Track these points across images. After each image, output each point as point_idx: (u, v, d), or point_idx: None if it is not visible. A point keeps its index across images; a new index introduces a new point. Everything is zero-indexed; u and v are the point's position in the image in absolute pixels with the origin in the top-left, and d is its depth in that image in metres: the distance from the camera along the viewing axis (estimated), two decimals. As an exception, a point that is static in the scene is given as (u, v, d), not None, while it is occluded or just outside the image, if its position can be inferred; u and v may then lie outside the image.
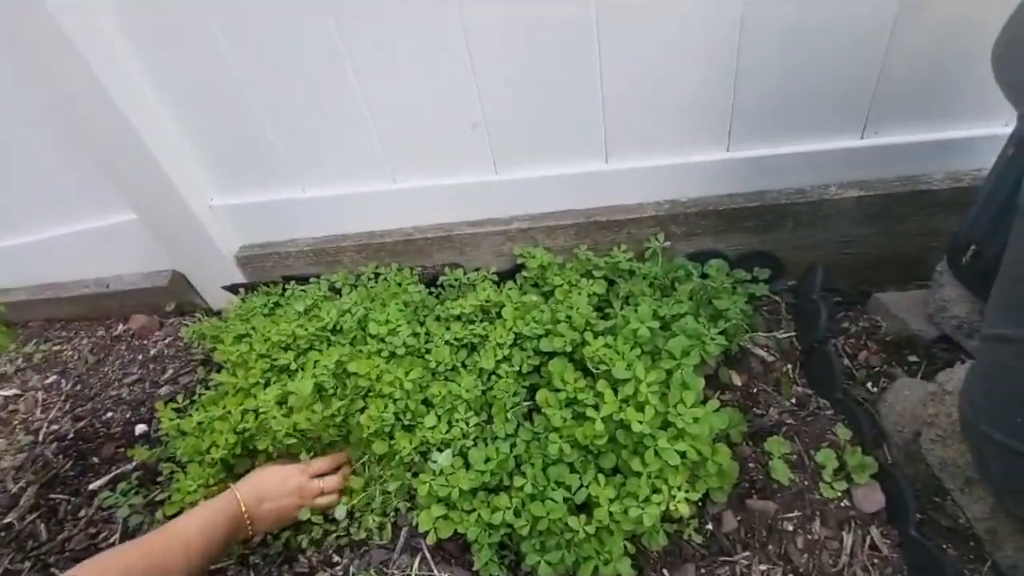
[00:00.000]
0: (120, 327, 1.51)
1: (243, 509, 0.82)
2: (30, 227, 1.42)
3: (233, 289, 1.37)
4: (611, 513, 0.71)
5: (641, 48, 0.95)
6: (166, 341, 1.42)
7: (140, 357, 1.40)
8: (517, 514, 0.74)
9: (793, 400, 0.93)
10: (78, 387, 1.36)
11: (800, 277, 1.14)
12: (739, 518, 0.80)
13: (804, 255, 1.11)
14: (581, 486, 0.75)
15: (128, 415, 1.23)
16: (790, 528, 0.77)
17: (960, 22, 0.86)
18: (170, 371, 1.32)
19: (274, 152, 1.18)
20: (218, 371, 1.11)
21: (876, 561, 0.73)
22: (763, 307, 1.10)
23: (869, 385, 0.96)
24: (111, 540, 0.98)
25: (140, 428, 1.19)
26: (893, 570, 0.72)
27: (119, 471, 1.09)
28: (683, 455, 0.73)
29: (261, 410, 0.91)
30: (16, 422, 1.30)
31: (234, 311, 1.25)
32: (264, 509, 0.85)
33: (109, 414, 1.25)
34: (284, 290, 1.30)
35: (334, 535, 0.90)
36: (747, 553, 0.76)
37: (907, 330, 1.02)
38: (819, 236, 1.09)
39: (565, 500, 0.74)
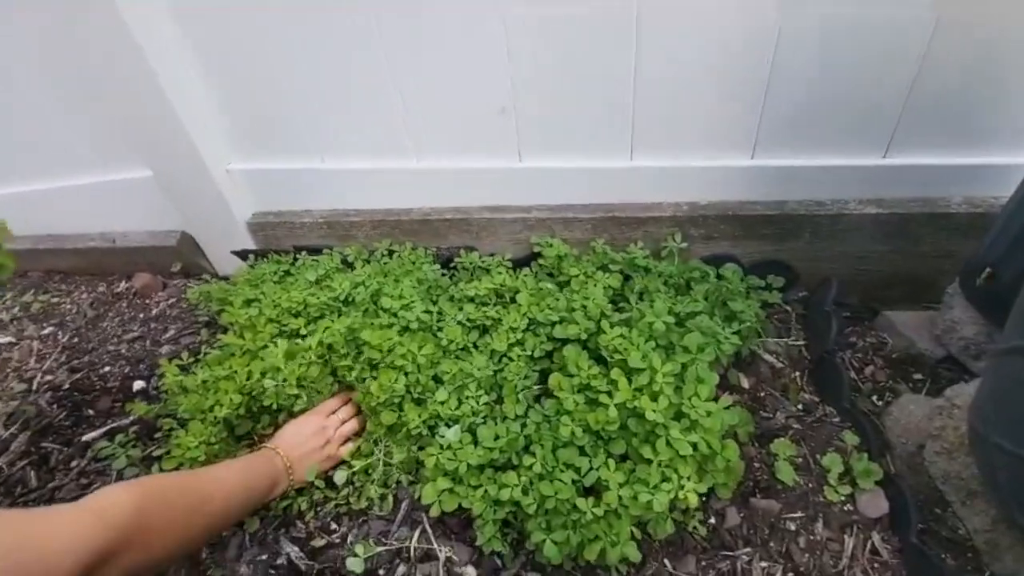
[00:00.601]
0: (122, 284, 1.49)
1: (282, 456, 0.86)
2: (37, 175, 1.40)
3: (243, 255, 1.36)
4: (620, 497, 0.71)
5: (679, 49, 0.95)
6: (169, 302, 1.41)
7: (141, 315, 1.38)
8: (525, 492, 0.74)
9: (800, 406, 0.94)
10: (75, 340, 1.34)
11: (811, 288, 1.15)
12: (742, 515, 0.80)
13: (818, 267, 1.12)
14: (591, 469, 0.75)
15: (127, 370, 1.21)
16: (792, 528, 0.78)
17: (993, 47, 0.88)
18: (172, 331, 1.31)
19: (297, 120, 1.17)
20: (223, 333, 1.11)
21: (876, 565, 0.73)
22: (774, 315, 1.11)
23: (874, 399, 0.97)
24: (103, 492, 0.97)
25: (138, 384, 1.17)
26: (892, 575, 0.72)
27: (115, 425, 1.08)
28: (694, 447, 0.73)
29: (269, 361, 0.93)
30: (9, 370, 1.28)
31: (243, 276, 1.24)
32: (298, 455, 0.88)
33: (107, 368, 1.23)
34: (295, 260, 1.29)
35: (333, 503, 0.89)
36: (748, 549, 0.77)
37: (914, 348, 1.03)
38: (835, 250, 1.10)
39: (574, 482, 0.74)
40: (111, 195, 1.38)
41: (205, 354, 1.07)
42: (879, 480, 0.78)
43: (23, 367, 1.28)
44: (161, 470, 0.94)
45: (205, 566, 0.85)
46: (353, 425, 0.96)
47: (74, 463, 1.03)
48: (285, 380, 0.92)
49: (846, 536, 0.76)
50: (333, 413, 0.96)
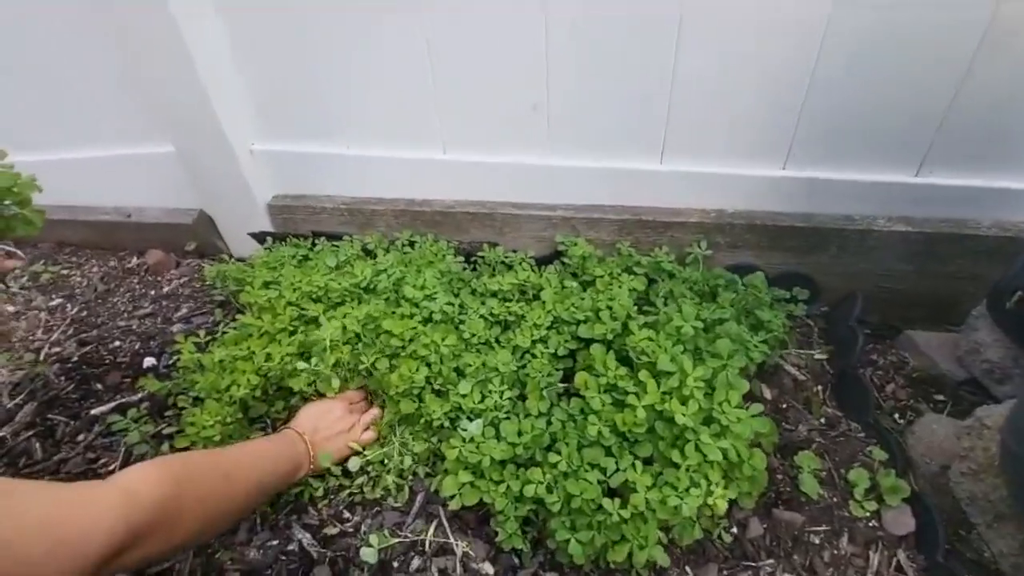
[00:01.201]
0: (134, 260, 1.47)
1: (307, 441, 0.84)
2: (58, 145, 1.38)
3: (260, 237, 1.35)
4: (647, 500, 0.70)
5: (719, 56, 0.95)
6: (181, 280, 1.39)
7: (152, 293, 1.37)
8: (549, 490, 0.73)
9: (822, 420, 0.93)
10: (84, 313, 1.32)
11: (832, 304, 1.15)
12: (765, 526, 0.79)
13: (842, 283, 1.12)
14: (617, 470, 0.74)
15: (137, 346, 1.19)
16: (816, 541, 0.77)
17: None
18: (184, 310, 1.29)
19: (326, 104, 1.16)
20: (238, 314, 1.09)
21: (901, 583, 0.73)
22: (795, 328, 1.10)
23: (896, 417, 0.96)
24: (111, 468, 0.95)
25: (148, 361, 1.15)
26: (918, 594, 0.72)
27: (124, 400, 1.06)
28: (724, 453, 0.72)
29: (313, 337, 0.93)
30: (16, 340, 1.26)
31: (261, 258, 1.23)
32: (321, 439, 0.86)
33: (116, 343, 1.21)
34: (313, 245, 1.28)
35: (347, 491, 0.88)
36: (771, 560, 0.76)
37: (936, 369, 1.03)
38: (860, 266, 1.10)
39: (599, 482, 0.73)
40: (131, 169, 1.36)
41: (222, 334, 1.05)
42: (906, 497, 0.77)
43: (30, 337, 1.26)
44: (172, 448, 0.93)
45: (213, 549, 0.84)
46: (376, 413, 0.94)
47: (81, 437, 1.01)
48: (322, 360, 0.90)
49: (871, 552, 0.75)
50: (354, 404, 0.95)
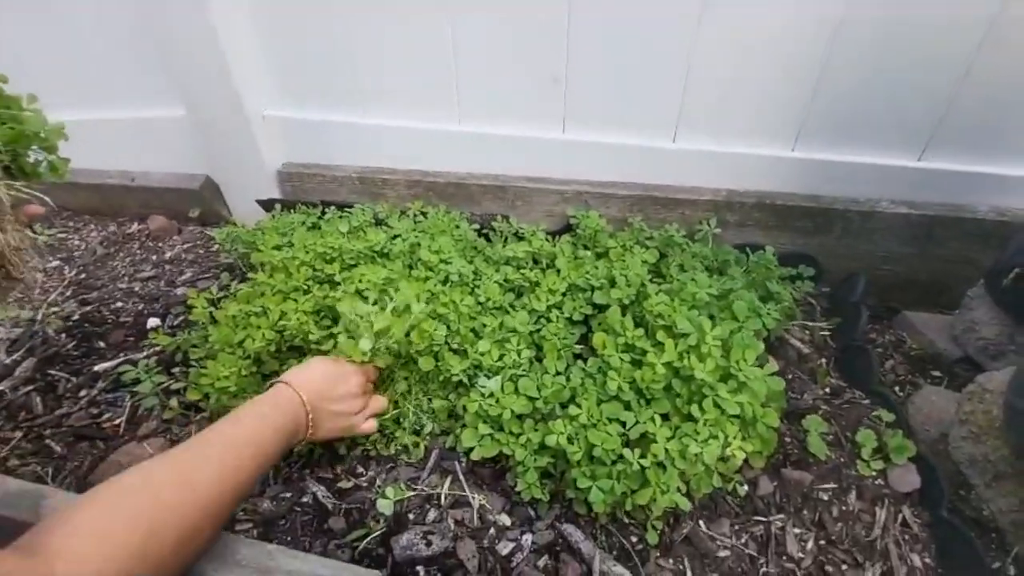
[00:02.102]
0: (135, 226, 1.45)
1: (307, 409, 0.72)
2: (67, 105, 1.34)
3: (268, 204, 1.34)
4: (667, 450, 0.71)
5: (739, 38, 0.98)
6: (185, 246, 1.37)
7: (154, 258, 1.35)
8: (570, 440, 0.74)
9: (827, 390, 0.96)
10: (83, 276, 1.30)
11: (834, 285, 1.18)
12: (775, 484, 0.81)
13: (844, 264, 1.15)
14: (636, 422, 0.75)
15: (140, 307, 1.17)
16: (825, 498, 0.79)
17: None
18: (188, 274, 1.27)
19: (342, 71, 1.16)
20: (245, 278, 1.08)
21: (907, 537, 0.75)
22: (800, 306, 1.13)
23: (896, 389, 0.99)
24: (116, 422, 0.93)
25: (152, 322, 1.13)
26: (923, 547, 0.74)
27: (129, 357, 1.04)
28: (741, 408, 0.74)
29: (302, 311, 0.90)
30: (11, 300, 1.22)
31: (270, 224, 1.22)
32: (324, 410, 0.74)
33: (119, 304, 1.19)
34: (323, 214, 1.28)
35: (361, 448, 0.88)
36: (782, 516, 0.78)
37: (933, 347, 1.07)
38: (862, 248, 1.13)
39: (620, 434, 0.74)
40: (139, 132, 1.35)
41: (234, 292, 1.04)
42: (911, 457, 0.80)
43: (26, 297, 1.23)
44: (180, 404, 0.92)
45: (224, 500, 0.83)
46: (384, 404, 0.86)
47: (83, 392, 0.99)
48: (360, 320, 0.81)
49: (877, 508, 0.77)
50: (370, 382, 0.85)
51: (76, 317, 1.15)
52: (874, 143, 1.07)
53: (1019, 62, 0.93)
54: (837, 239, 1.14)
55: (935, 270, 1.14)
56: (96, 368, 1.03)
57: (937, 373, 1.04)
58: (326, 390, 0.76)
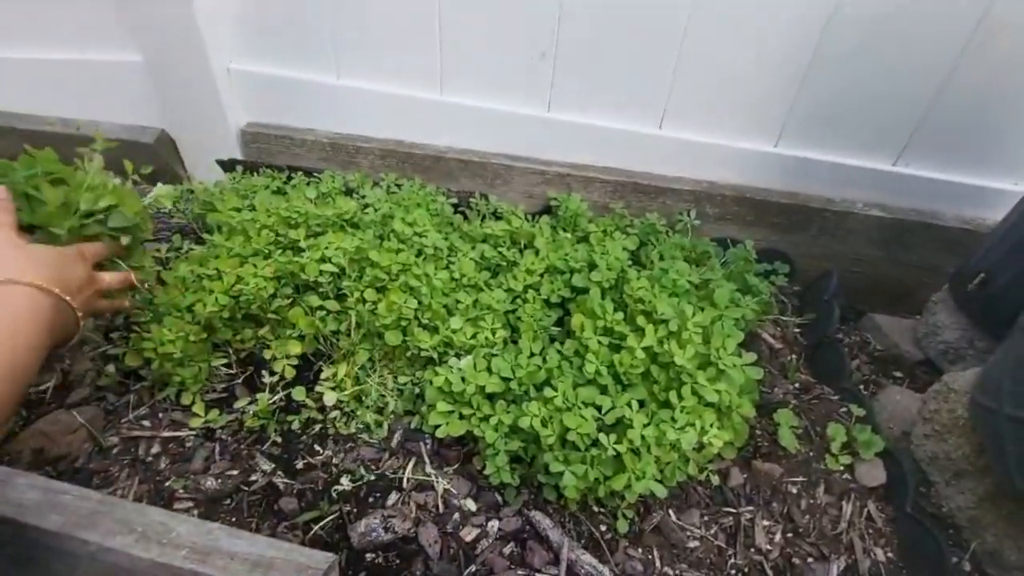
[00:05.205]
0: (78, 180, 1.32)
1: (56, 290, 0.58)
2: (5, 41, 1.22)
3: (228, 165, 1.25)
4: (643, 437, 0.69)
5: (729, 30, 0.97)
6: (133, 205, 1.26)
7: (98, 215, 1.23)
8: (544, 424, 0.70)
9: (797, 385, 0.96)
10: (14, 230, 1.17)
11: (806, 285, 1.19)
12: (745, 476, 0.80)
13: (816, 263, 1.16)
14: (613, 407, 0.72)
15: (78, 267, 1.07)
16: (793, 491, 0.79)
17: (1015, 72, 0.94)
18: (136, 234, 1.17)
19: (319, 25, 1.09)
20: (199, 241, 1.00)
21: (871, 531, 0.75)
22: (772, 302, 1.14)
23: (861, 387, 1.01)
24: (43, 387, 0.84)
25: (92, 283, 1.03)
26: (886, 542, 0.75)
27: (62, 319, 0.94)
28: (718, 396, 0.72)
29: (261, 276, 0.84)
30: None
31: (230, 185, 1.13)
32: (75, 288, 0.62)
33: (54, 261, 1.08)
34: (289, 178, 1.20)
35: (319, 425, 0.82)
36: (751, 507, 0.77)
37: (896, 349, 1.09)
38: (836, 248, 1.15)
39: (596, 419, 0.71)
40: (88, 77, 1.22)
41: (187, 252, 0.96)
42: (879, 452, 0.81)
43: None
44: (118, 371, 0.84)
45: (163, 476, 0.76)
46: (125, 277, 0.73)
47: (6, 354, 0.89)
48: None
49: (844, 503, 0.78)
50: (89, 258, 0.68)
51: (2, 273, 1.03)
52: (853, 145, 1.08)
53: (997, 73, 0.96)
54: (812, 238, 1.15)
55: (902, 274, 1.17)
56: (22, 328, 0.92)
57: (899, 374, 1.06)
58: (61, 270, 0.61)
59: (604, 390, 0.76)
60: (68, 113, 1.32)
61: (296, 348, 0.88)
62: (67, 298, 0.60)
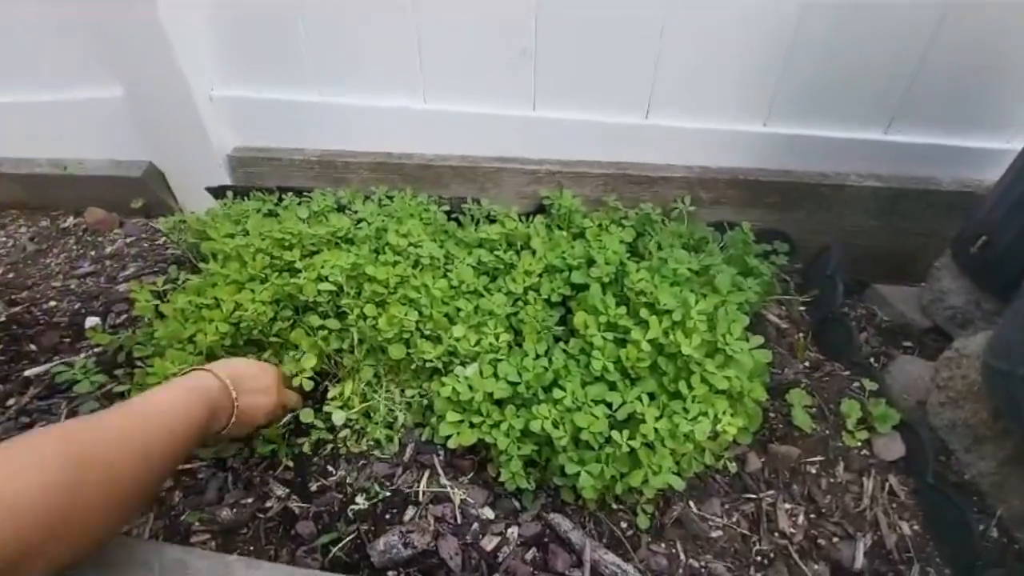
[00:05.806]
0: (70, 220, 1.33)
1: (230, 389, 0.66)
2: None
3: (219, 192, 1.24)
4: (656, 430, 0.68)
5: (708, 13, 0.96)
6: (127, 240, 1.27)
7: (93, 253, 1.23)
8: (555, 425, 0.70)
9: (806, 363, 0.95)
10: (11, 275, 1.17)
11: (807, 261, 1.18)
12: (762, 460, 0.80)
13: (815, 239, 1.15)
14: (624, 403, 0.72)
15: (77, 306, 1.07)
16: (813, 471, 0.78)
17: (995, 34, 0.94)
18: (132, 268, 1.17)
19: (297, 46, 1.09)
20: (196, 271, 0.99)
21: (895, 506, 0.75)
22: (775, 281, 1.13)
23: (871, 360, 1.00)
24: (51, 431, 0.83)
25: (91, 321, 1.03)
26: (910, 515, 0.74)
27: (64, 360, 0.94)
28: (729, 382, 0.72)
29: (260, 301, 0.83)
30: (-75, 302, 1.10)
31: (222, 212, 1.13)
32: (245, 398, 0.69)
33: (52, 303, 1.08)
34: (280, 200, 1.19)
35: (330, 446, 0.81)
36: (771, 492, 0.76)
37: (903, 318, 1.08)
38: (833, 223, 1.14)
39: (607, 416, 0.71)
40: (70, 116, 1.23)
41: (183, 282, 0.96)
42: (895, 424, 0.80)
43: (-57, 299, 1.10)
44: (126, 405, 0.83)
45: (178, 511, 0.75)
46: (297, 398, 0.83)
47: (12, 400, 0.89)
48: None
49: (865, 479, 0.77)
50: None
51: (2, 319, 1.03)
52: (842, 117, 1.07)
53: (979, 35, 0.95)
54: (809, 214, 1.14)
55: (902, 243, 1.16)
56: (26, 373, 0.92)
57: (908, 343, 1.05)
58: (246, 379, 0.70)
59: (613, 386, 0.75)
60: (55, 153, 1.32)
61: (311, 361, 0.84)
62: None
